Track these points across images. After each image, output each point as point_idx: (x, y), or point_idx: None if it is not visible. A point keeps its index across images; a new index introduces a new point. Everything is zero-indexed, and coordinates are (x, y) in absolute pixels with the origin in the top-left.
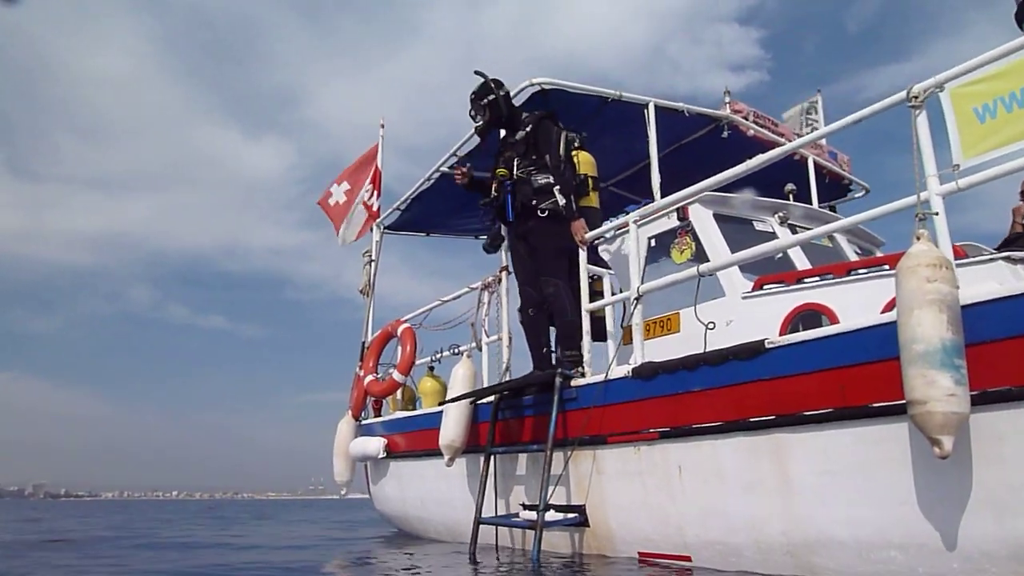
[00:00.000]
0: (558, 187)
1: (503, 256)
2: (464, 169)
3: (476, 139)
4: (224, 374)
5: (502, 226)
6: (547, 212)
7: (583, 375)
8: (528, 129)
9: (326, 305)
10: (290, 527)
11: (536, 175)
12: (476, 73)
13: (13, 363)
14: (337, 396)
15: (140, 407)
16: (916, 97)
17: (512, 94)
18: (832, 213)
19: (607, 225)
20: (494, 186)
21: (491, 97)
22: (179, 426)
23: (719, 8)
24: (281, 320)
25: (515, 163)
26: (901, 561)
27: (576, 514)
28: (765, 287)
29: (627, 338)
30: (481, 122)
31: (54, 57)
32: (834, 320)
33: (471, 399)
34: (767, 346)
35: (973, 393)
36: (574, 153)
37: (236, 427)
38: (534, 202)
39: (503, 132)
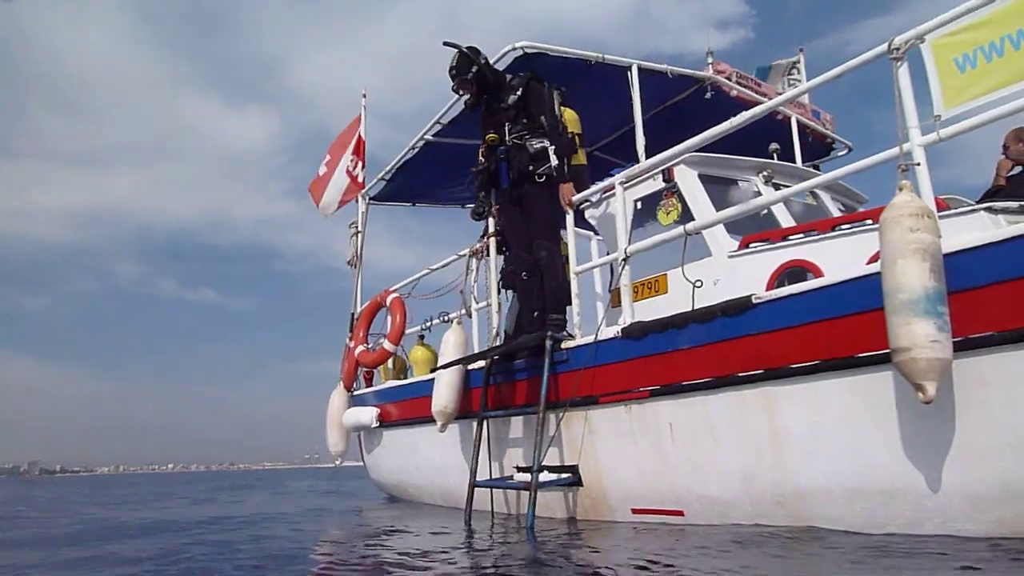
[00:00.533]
0: (554, 148)
1: (489, 222)
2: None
3: (458, 107)
4: (216, 347)
5: (491, 193)
6: (543, 177)
7: (571, 337)
8: (519, 93)
9: (315, 275)
10: (286, 498)
11: (530, 139)
12: (447, 44)
13: (4, 341)
14: (329, 366)
15: (133, 382)
16: (897, 49)
17: (495, 59)
18: (816, 171)
19: (593, 189)
20: (483, 151)
21: (475, 69)
22: (173, 400)
23: None
24: (271, 291)
25: (507, 128)
26: (889, 506)
27: (569, 474)
28: (751, 245)
29: (615, 300)
30: (469, 96)
31: (31, 31)
32: (819, 275)
33: (464, 364)
34: (754, 301)
35: (956, 340)
36: (560, 110)
37: (230, 399)
38: (531, 167)
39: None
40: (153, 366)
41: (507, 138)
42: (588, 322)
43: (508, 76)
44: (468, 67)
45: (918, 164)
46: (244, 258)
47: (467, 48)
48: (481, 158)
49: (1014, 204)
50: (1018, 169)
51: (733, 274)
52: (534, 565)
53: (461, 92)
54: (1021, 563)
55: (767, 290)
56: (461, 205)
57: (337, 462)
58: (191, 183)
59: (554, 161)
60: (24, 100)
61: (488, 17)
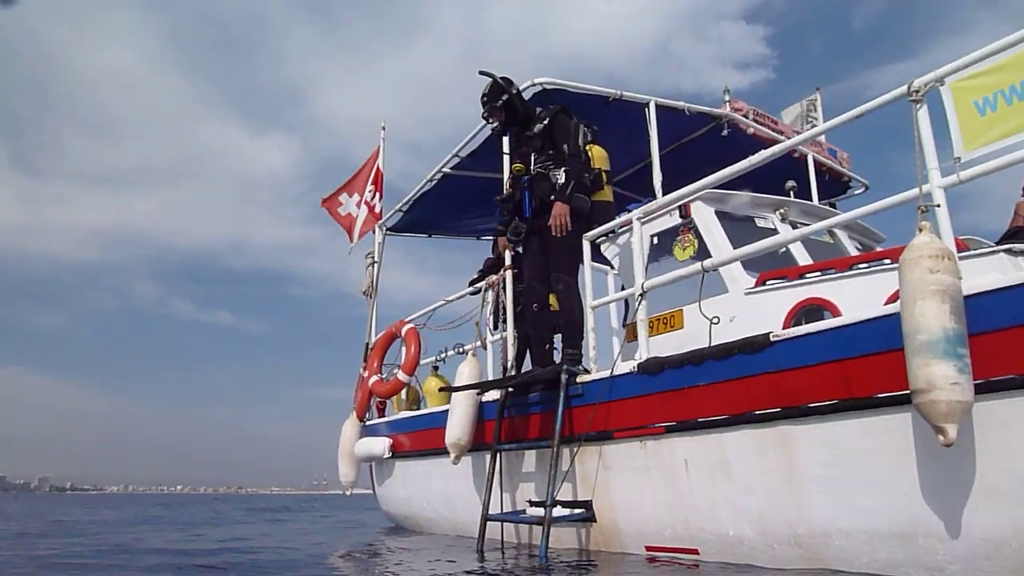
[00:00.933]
0: (564, 168)
1: (506, 257)
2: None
3: (477, 140)
4: (229, 370)
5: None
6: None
7: (586, 371)
8: (545, 123)
9: (330, 301)
10: (296, 526)
11: (554, 170)
12: (482, 73)
13: (20, 358)
14: (341, 392)
15: (145, 402)
16: (917, 91)
17: (522, 88)
18: (832, 209)
19: (609, 225)
20: (509, 182)
21: (505, 97)
22: (183, 421)
23: (725, 5)
24: (285, 316)
25: (532, 158)
26: (906, 549)
27: (583, 509)
28: (768, 283)
29: (630, 335)
30: (496, 124)
31: (59, 52)
32: (837, 314)
33: (477, 391)
34: (772, 339)
35: (977, 382)
36: (588, 147)
37: (240, 422)
38: (552, 198)
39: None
40: (165, 386)
41: (532, 168)
42: (603, 356)
43: (539, 109)
44: (499, 95)
45: (938, 205)
46: (260, 282)
47: (501, 78)
48: (507, 187)
49: None
50: None
51: (750, 311)
52: None
53: (491, 119)
54: None
55: (784, 327)
56: (477, 237)
57: (347, 492)
58: (212, 206)
59: (561, 178)
60: (49, 119)
61: (511, 51)
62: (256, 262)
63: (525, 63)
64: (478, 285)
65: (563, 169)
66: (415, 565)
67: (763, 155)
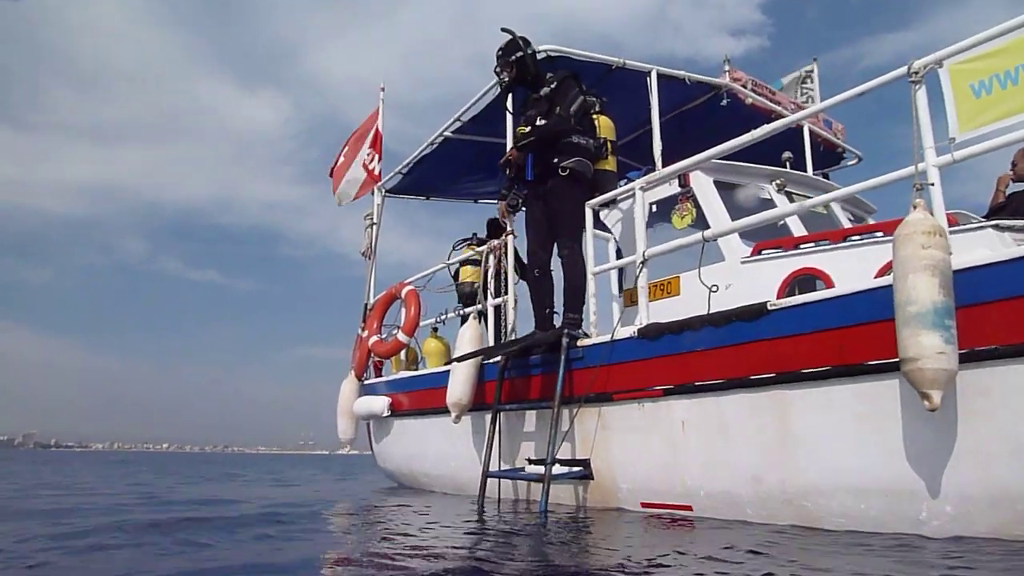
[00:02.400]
0: (544, 122)
1: (507, 220)
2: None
3: (480, 105)
4: (216, 328)
5: (518, 186)
6: (568, 171)
7: (587, 335)
8: (552, 87)
9: (320, 261)
10: (296, 485)
11: None
12: (503, 30)
13: (7, 313)
14: (328, 352)
15: (132, 359)
16: (916, 72)
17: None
18: (827, 181)
19: (612, 194)
20: (515, 140)
21: (519, 55)
22: (171, 379)
23: None
24: (275, 275)
25: (536, 121)
26: (892, 506)
27: (581, 467)
28: (763, 252)
29: (628, 300)
30: (507, 78)
31: (48, 4)
32: (830, 284)
33: (482, 357)
34: (770, 308)
35: (961, 351)
36: (595, 116)
37: (227, 381)
38: (556, 160)
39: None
40: (152, 343)
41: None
42: (602, 320)
43: (549, 74)
44: (513, 52)
45: (932, 184)
46: (250, 240)
47: (520, 37)
48: (512, 148)
49: (1021, 222)
50: (1019, 186)
51: (745, 279)
52: (552, 547)
53: (502, 74)
54: (1016, 560)
55: (778, 296)
56: (475, 200)
57: (346, 449)
58: (201, 163)
59: (536, 125)
60: (38, 73)
61: (507, 10)
62: (245, 220)
63: (520, 23)
64: (479, 249)
65: (540, 120)
66: (418, 519)
67: (766, 129)
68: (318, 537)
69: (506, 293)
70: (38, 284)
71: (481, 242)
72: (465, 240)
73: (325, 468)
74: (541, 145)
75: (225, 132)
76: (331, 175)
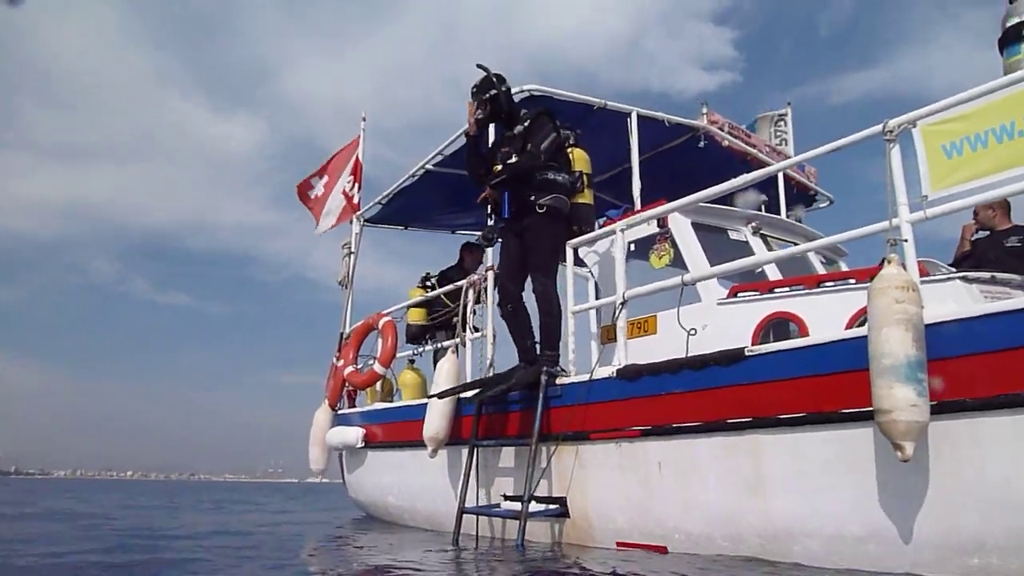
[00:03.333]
0: (516, 160)
1: (489, 255)
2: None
3: (461, 140)
4: (185, 352)
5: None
6: (545, 208)
7: (565, 374)
8: (525, 124)
9: (292, 285)
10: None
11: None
12: (479, 67)
13: None
14: (297, 378)
15: (96, 382)
16: (891, 131)
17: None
18: (801, 224)
19: (592, 234)
20: (489, 178)
21: (493, 92)
22: (136, 404)
23: (696, 5)
24: (246, 299)
25: (510, 159)
26: (863, 551)
27: (557, 505)
28: (740, 295)
29: (605, 337)
30: (481, 115)
31: (17, 22)
32: (804, 329)
33: (460, 394)
34: (747, 353)
35: (932, 403)
36: (569, 150)
37: (194, 406)
38: (532, 198)
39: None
40: (117, 367)
41: None
42: (579, 357)
43: (523, 111)
44: (488, 89)
45: (906, 240)
46: (221, 263)
47: (494, 74)
48: (487, 186)
49: (986, 275)
50: (982, 234)
51: (721, 321)
52: None
53: (476, 108)
54: None
55: (753, 339)
56: (452, 231)
57: (319, 479)
58: (173, 185)
59: (512, 160)
60: (9, 90)
61: (484, 38)
62: (217, 243)
63: (497, 52)
64: (459, 283)
65: (514, 156)
66: (394, 555)
67: (748, 178)
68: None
69: (475, 330)
70: (9, 304)
71: (434, 286)
72: (424, 279)
73: (295, 497)
74: (515, 183)
75: (198, 154)
76: (300, 198)
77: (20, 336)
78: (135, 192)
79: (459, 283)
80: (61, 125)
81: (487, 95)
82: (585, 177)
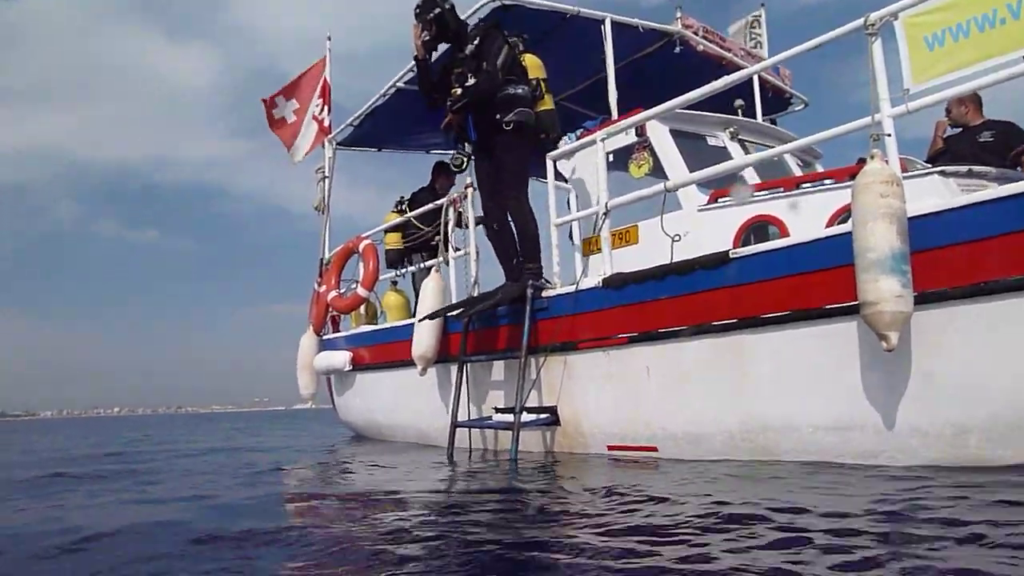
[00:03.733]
0: (475, 82)
1: (468, 173)
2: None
3: (433, 56)
4: (160, 289)
5: (463, 145)
6: (511, 125)
7: (551, 286)
8: (476, 43)
9: (261, 216)
10: (261, 437)
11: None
12: None
13: None
14: (274, 309)
15: (75, 325)
16: (872, 25)
17: (472, 10)
18: (778, 128)
19: (564, 141)
20: (449, 105)
21: (437, 11)
22: (117, 343)
23: None
24: (215, 233)
25: (468, 81)
26: (847, 439)
27: (548, 415)
28: (720, 200)
29: (587, 249)
30: (427, 37)
31: None
32: (784, 230)
33: (446, 315)
34: (732, 256)
35: (916, 294)
36: (521, 57)
37: (175, 342)
38: (497, 116)
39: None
40: (95, 308)
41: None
42: (565, 269)
43: (470, 26)
44: (431, 8)
45: (888, 135)
46: (188, 198)
47: None
48: (448, 112)
49: (963, 168)
50: (955, 131)
51: (702, 227)
52: (525, 490)
53: (422, 31)
54: (960, 479)
55: (735, 244)
56: (426, 151)
57: (308, 404)
58: (132, 121)
59: (468, 83)
60: None
61: None
62: (182, 178)
63: None
64: (440, 201)
65: (471, 79)
66: (393, 470)
67: (724, 81)
68: (295, 485)
69: (456, 249)
70: None
71: (407, 209)
72: (398, 202)
73: (289, 422)
74: (477, 104)
75: (156, 88)
76: (268, 120)
77: None
78: (94, 131)
79: (435, 203)
80: (9, 66)
81: (431, 14)
82: (542, 83)
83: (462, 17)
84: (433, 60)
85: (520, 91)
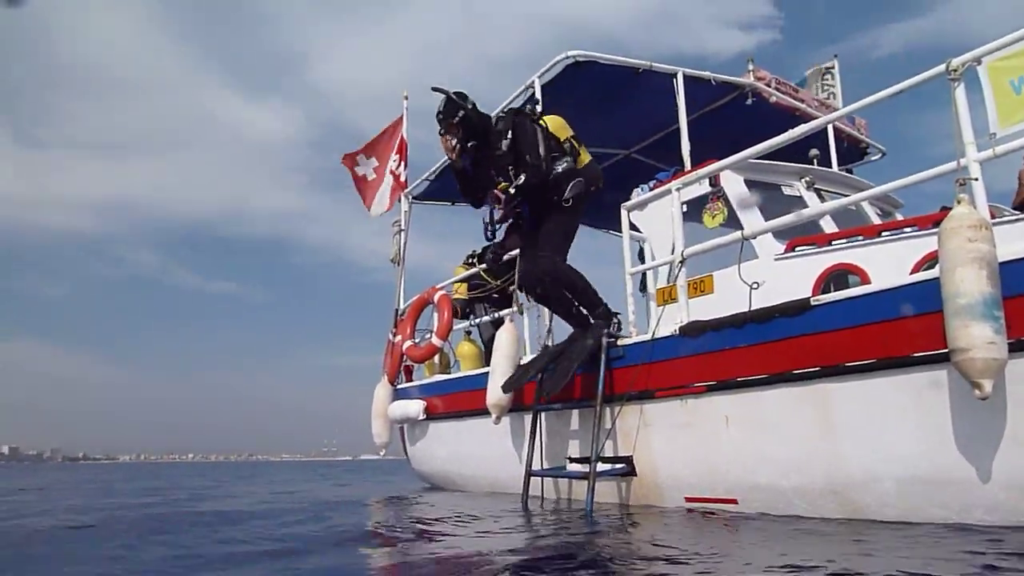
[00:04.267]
0: (524, 179)
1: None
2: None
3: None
4: (233, 338)
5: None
6: (571, 200)
7: (620, 324)
8: (509, 138)
9: (332, 268)
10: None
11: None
12: (435, 90)
13: (25, 329)
14: (345, 360)
15: (152, 371)
16: (955, 70)
17: (547, 68)
18: (855, 177)
19: (636, 192)
20: (495, 199)
21: (461, 113)
22: (191, 390)
23: None
24: (287, 284)
25: (511, 173)
26: (938, 495)
27: (624, 464)
28: (796, 249)
29: (661, 299)
30: (456, 143)
31: (52, 19)
32: (865, 278)
33: (530, 377)
34: (813, 303)
35: (1010, 341)
36: (543, 121)
37: (247, 391)
38: (555, 198)
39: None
40: (173, 356)
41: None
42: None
43: (493, 117)
44: (455, 112)
45: (976, 179)
46: (262, 249)
47: (455, 93)
48: (498, 204)
49: None
50: None
51: (779, 276)
52: (601, 544)
53: (445, 134)
54: None
55: (814, 293)
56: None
57: (381, 453)
58: (210, 175)
59: (520, 181)
60: (45, 90)
61: (507, 8)
62: (256, 230)
63: (523, 21)
64: (512, 253)
65: (522, 177)
66: (468, 518)
67: (800, 130)
68: (370, 533)
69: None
70: (58, 300)
71: (475, 263)
72: (468, 256)
73: (356, 472)
74: (529, 194)
75: (234, 143)
76: (352, 175)
77: (76, 331)
78: (174, 184)
79: (508, 255)
80: (95, 121)
81: (455, 118)
82: (574, 141)
83: (539, 76)
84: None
85: (565, 165)
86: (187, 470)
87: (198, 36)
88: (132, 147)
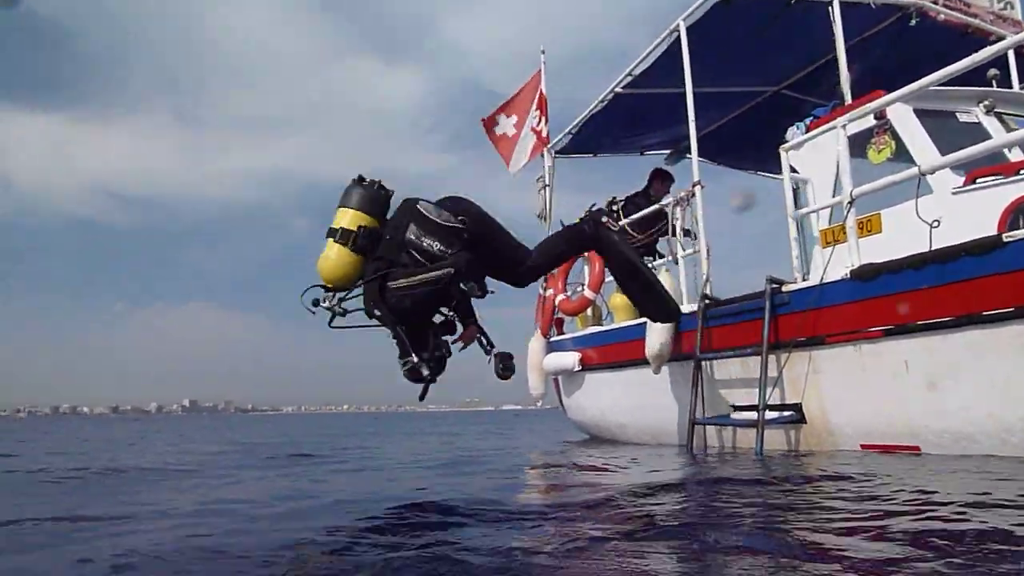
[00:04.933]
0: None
1: (694, 171)
2: None
3: (650, 59)
4: None
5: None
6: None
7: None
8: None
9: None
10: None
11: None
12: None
13: (201, 293)
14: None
15: (312, 331)
16: None
17: (692, 8)
18: None
19: (792, 131)
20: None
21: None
22: (344, 350)
23: None
24: None
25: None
26: None
27: (792, 412)
28: (979, 181)
29: (824, 241)
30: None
31: (202, 9)
32: None
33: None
34: (1005, 240)
35: None
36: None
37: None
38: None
39: None
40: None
41: None
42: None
43: None
44: None
45: None
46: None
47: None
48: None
49: None
50: None
51: (958, 212)
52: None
53: None
54: None
55: (1000, 228)
56: (640, 152)
57: (538, 403)
58: (353, 142)
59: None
60: (202, 72)
61: None
62: (400, 191)
63: None
64: (665, 201)
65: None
66: (638, 466)
67: (984, 54)
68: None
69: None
70: (224, 265)
71: (619, 210)
72: (610, 203)
73: (500, 422)
74: None
75: (373, 109)
76: (488, 135)
77: (242, 293)
78: (321, 152)
79: (659, 204)
80: (247, 100)
81: None
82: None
83: (683, 18)
84: None
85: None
86: (351, 420)
87: (330, 9)
88: (284, 120)
